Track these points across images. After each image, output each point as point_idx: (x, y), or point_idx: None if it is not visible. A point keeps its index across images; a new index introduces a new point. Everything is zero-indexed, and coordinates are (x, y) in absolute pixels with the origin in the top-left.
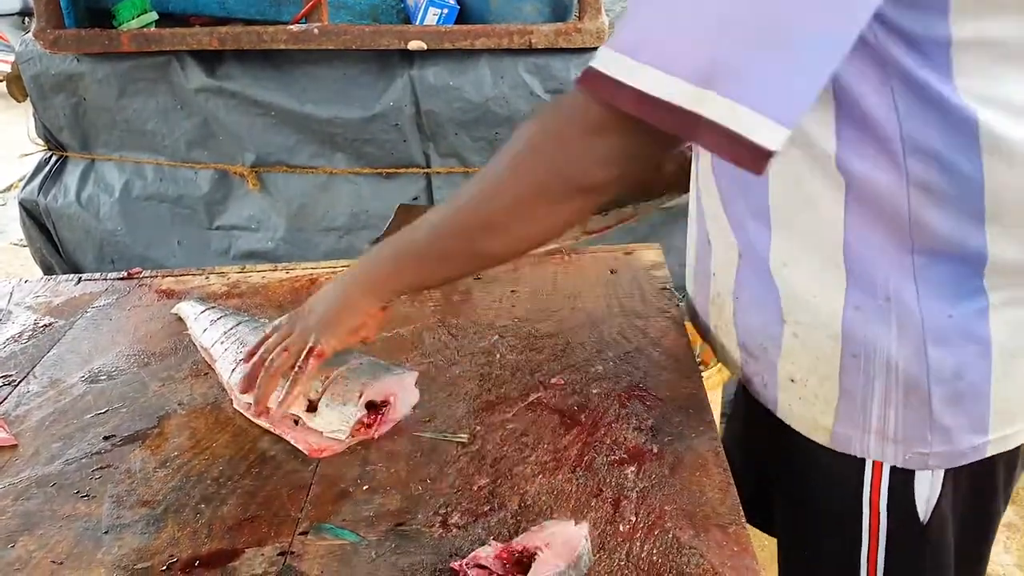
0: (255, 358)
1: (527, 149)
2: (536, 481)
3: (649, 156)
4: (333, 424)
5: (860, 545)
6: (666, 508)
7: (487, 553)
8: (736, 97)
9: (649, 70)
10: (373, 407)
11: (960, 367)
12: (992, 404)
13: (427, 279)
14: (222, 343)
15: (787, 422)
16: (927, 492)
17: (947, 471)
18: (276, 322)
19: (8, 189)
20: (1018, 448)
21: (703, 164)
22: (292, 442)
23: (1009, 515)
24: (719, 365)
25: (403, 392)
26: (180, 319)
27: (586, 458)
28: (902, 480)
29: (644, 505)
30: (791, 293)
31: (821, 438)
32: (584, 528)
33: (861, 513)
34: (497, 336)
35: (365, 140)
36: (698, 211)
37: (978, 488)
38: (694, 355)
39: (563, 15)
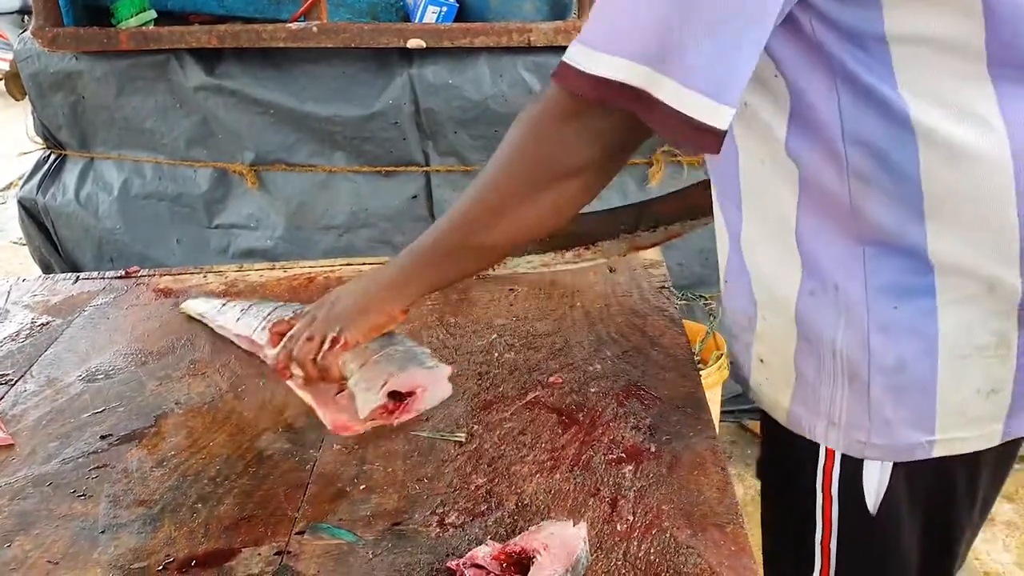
0: (281, 346)
1: (512, 143)
2: (534, 480)
3: (621, 140)
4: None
5: (815, 526)
6: (664, 507)
7: (484, 553)
8: (681, 79)
9: (605, 57)
10: (398, 396)
11: (902, 359)
12: (938, 403)
13: (442, 279)
14: (265, 329)
15: (756, 402)
16: (875, 483)
17: (897, 465)
18: (304, 308)
19: (7, 188)
20: (979, 456)
21: None
22: (320, 415)
23: (1008, 513)
24: (718, 363)
25: (433, 386)
26: (190, 318)
27: (584, 457)
28: (851, 468)
29: (642, 504)
30: (759, 275)
31: (780, 417)
32: (582, 529)
33: (815, 495)
34: (495, 335)
35: (364, 138)
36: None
37: (935, 490)
38: (692, 354)
39: (562, 13)
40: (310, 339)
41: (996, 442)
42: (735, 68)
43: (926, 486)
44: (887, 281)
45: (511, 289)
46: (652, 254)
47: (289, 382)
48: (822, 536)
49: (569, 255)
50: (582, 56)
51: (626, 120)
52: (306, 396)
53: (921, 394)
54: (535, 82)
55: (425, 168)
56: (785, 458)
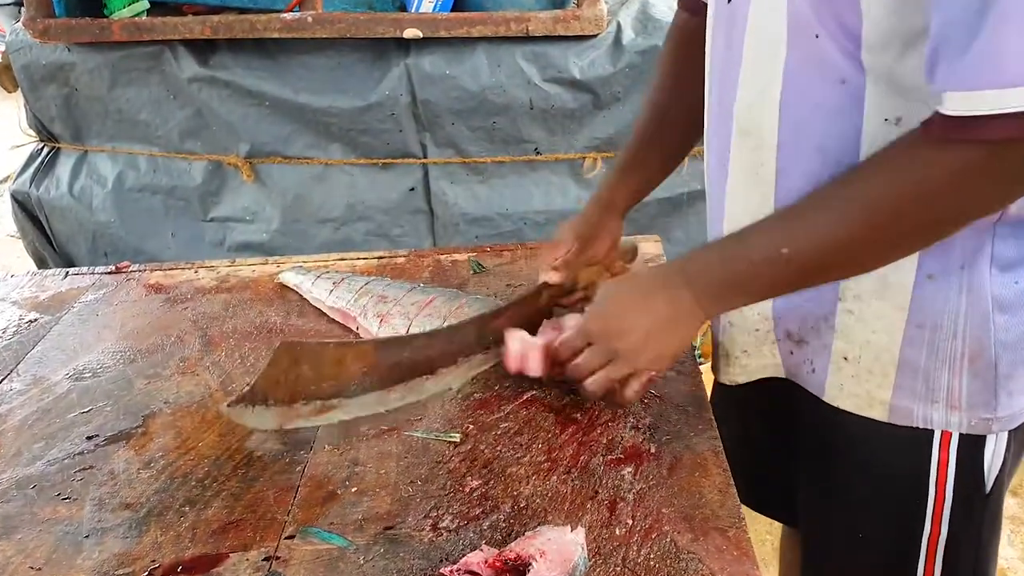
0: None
1: (894, 201)
2: (530, 482)
3: None
4: None
5: (922, 519)
6: (664, 511)
7: (479, 559)
8: None
9: None
10: None
11: None
12: None
13: (765, 293)
14: (358, 301)
15: (835, 404)
16: (991, 458)
17: (1011, 435)
18: (580, 327)
19: (3, 181)
20: None
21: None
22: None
23: (1013, 508)
24: None
25: None
26: (283, 287)
27: (582, 459)
28: (970, 450)
29: (641, 507)
30: None
31: (877, 413)
32: (580, 535)
33: (924, 487)
34: None
35: (360, 130)
36: (711, 230)
37: (1020, 444)
38: (694, 352)
39: (561, 2)
40: (593, 359)
41: None
42: None
43: (1018, 447)
44: (1013, 256)
45: (508, 284)
46: (652, 248)
47: None
48: (931, 525)
49: (410, 385)
50: (993, 101)
51: None
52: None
53: None
54: (534, 72)
55: (423, 160)
56: (873, 460)
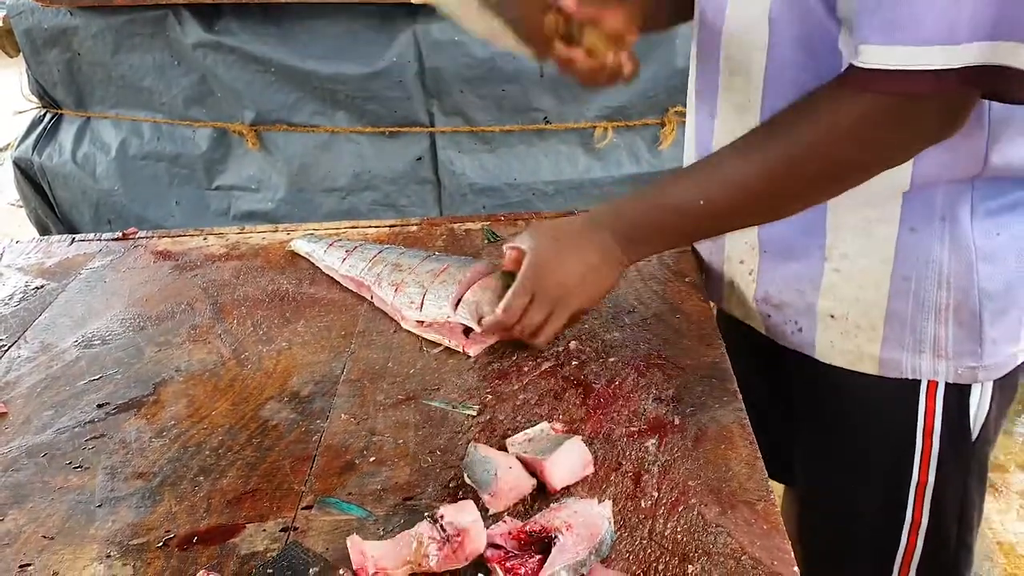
0: (498, 321)
1: (807, 146)
2: None
3: (939, 130)
4: (433, 314)
5: (910, 469)
6: (690, 483)
7: (502, 531)
8: None
9: (946, 48)
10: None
11: (1008, 282)
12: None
13: (679, 242)
14: (372, 269)
15: (826, 360)
16: (976, 408)
17: (995, 384)
18: (519, 286)
19: (3, 149)
20: None
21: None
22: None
23: (1022, 483)
24: None
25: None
26: (294, 255)
27: (604, 430)
28: (956, 399)
29: (667, 480)
30: (840, 226)
31: (868, 367)
32: (607, 508)
33: (912, 436)
34: None
35: (367, 98)
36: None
37: (1005, 398)
38: (716, 321)
39: None
40: (537, 314)
41: None
42: None
43: (1007, 398)
44: (994, 207)
45: None
46: None
47: (406, 325)
48: (918, 474)
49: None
50: (904, 57)
51: (953, 108)
52: (432, 335)
53: (1020, 309)
54: None
55: (430, 129)
56: (865, 413)
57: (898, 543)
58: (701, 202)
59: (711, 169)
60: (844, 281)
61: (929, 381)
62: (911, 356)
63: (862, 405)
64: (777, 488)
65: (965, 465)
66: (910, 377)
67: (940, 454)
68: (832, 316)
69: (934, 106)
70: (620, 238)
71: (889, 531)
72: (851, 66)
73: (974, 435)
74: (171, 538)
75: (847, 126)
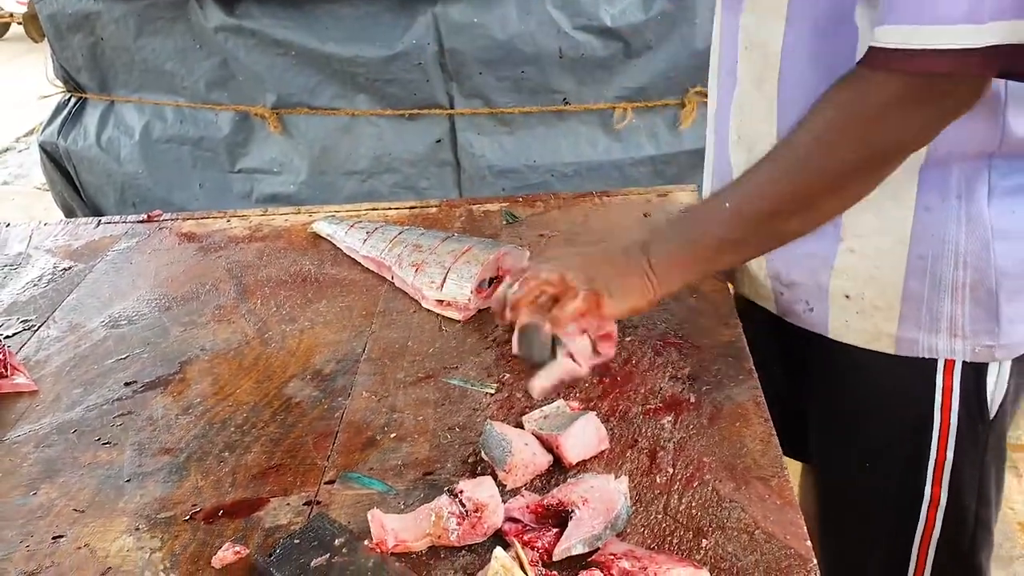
0: (507, 284)
1: (836, 132)
2: None
3: (960, 110)
4: (454, 292)
5: (928, 448)
6: (705, 460)
7: (520, 505)
8: None
9: (969, 28)
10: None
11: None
12: None
13: (717, 266)
14: (393, 250)
15: (841, 340)
16: (994, 386)
17: (1014, 363)
18: (540, 268)
19: (30, 133)
20: None
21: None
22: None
23: None
24: None
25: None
26: (317, 236)
27: (620, 408)
28: (973, 377)
29: (682, 456)
30: (855, 206)
31: (884, 346)
32: (624, 483)
33: (930, 414)
34: None
35: (387, 80)
36: (717, 140)
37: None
38: (732, 300)
39: None
40: (549, 284)
41: None
42: None
43: (1020, 376)
44: (1010, 186)
45: (541, 234)
46: (688, 198)
47: (426, 304)
48: (936, 453)
49: None
50: (928, 36)
51: (973, 86)
52: (450, 312)
53: None
54: (564, 20)
55: (449, 111)
56: (882, 392)
57: (917, 521)
58: (727, 204)
59: (741, 179)
60: (859, 261)
61: (946, 360)
62: (928, 335)
63: (879, 384)
64: (795, 467)
65: (983, 444)
66: (927, 356)
67: (958, 432)
68: (847, 296)
69: (957, 85)
70: (653, 259)
71: (908, 509)
72: (872, 48)
73: (991, 414)
74: (197, 512)
75: (875, 107)
